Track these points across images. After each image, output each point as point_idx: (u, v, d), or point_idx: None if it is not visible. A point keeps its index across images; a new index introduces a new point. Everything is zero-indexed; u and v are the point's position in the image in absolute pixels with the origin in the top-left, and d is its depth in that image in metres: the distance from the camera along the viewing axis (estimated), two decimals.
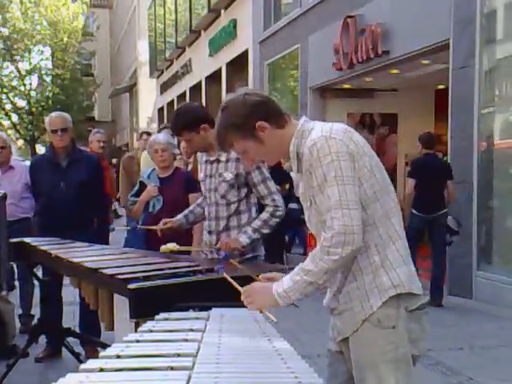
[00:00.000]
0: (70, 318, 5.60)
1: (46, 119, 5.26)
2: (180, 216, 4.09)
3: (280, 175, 7.60)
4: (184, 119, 3.79)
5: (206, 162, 3.89)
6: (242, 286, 2.36)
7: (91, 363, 1.77)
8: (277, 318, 2.23)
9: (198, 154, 4.09)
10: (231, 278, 2.56)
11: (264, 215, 3.75)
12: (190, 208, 4.16)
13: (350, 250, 2.10)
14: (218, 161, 3.80)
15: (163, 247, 3.75)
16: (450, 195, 7.26)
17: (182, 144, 8.43)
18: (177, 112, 3.95)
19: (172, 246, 3.72)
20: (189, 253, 4.45)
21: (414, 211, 7.20)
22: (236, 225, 3.79)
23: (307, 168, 2.20)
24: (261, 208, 3.88)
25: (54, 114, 5.30)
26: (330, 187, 2.11)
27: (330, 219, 2.11)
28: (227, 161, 3.75)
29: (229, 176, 3.73)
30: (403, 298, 2.21)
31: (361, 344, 2.23)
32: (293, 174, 6.76)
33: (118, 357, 1.84)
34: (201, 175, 3.96)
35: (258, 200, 3.87)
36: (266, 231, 3.74)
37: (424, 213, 7.16)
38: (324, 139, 2.15)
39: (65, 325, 5.14)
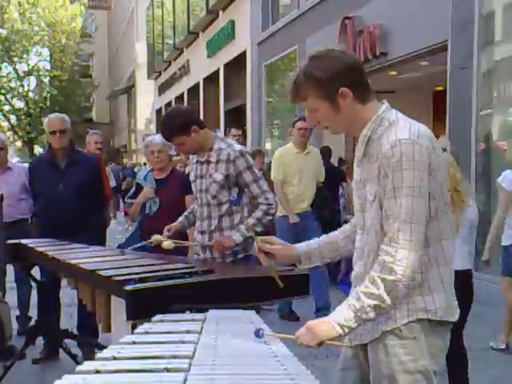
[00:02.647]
0: (68, 320, 5.59)
1: (45, 121, 5.25)
2: (181, 218, 4.11)
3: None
4: (175, 122, 3.74)
5: (197, 162, 3.89)
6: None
7: (87, 365, 1.76)
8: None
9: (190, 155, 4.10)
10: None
11: (257, 213, 3.77)
12: (189, 209, 4.18)
13: (413, 268, 1.99)
14: (208, 162, 3.80)
15: (155, 237, 3.81)
16: None
17: None
18: (166, 117, 3.91)
19: (167, 242, 3.77)
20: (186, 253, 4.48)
21: None
22: (229, 225, 3.80)
23: (383, 165, 2.04)
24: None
25: (52, 116, 5.30)
26: (406, 196, 1.98)
27: (397, 231, 1.98)
28: (217, 162, 3.75)
29: (219, 177, 3.73)
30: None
31: (379, 353, 2.12)
32: None
33: (114, 358, 1.84)
34: (191, 176, 3.97)
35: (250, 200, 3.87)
36: (259, 229, 3.74)
37: None
38: (411, 143, 2.00)
39: (62, 326, 5.14)
